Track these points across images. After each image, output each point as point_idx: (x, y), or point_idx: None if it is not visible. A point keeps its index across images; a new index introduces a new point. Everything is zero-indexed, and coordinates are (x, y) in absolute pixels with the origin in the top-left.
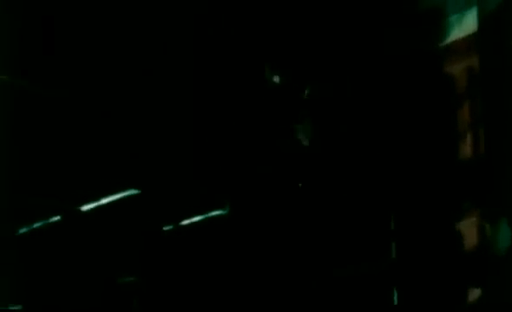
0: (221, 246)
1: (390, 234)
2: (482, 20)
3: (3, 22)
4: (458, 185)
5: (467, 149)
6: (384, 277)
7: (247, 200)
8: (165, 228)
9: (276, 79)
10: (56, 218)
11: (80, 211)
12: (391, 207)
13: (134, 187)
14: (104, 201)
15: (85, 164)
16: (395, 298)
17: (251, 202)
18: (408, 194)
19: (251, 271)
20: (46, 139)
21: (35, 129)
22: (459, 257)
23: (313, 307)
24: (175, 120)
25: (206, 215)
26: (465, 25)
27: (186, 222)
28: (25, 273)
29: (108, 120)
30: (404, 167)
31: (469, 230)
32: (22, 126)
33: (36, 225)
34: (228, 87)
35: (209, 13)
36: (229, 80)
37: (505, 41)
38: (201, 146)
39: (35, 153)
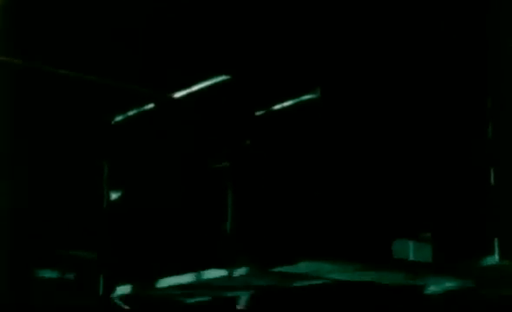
0: (312, 131)
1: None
2: None
3: None
4: None
5: None
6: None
7: (339, 84)
8: (256, 113)
9: None
10: (150, 106)
11: (172, 97)
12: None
13: (225, 73)
14: (196, 88)
15: (177, 51)
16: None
17: (342, 86)
18: None
19: (342, 158)
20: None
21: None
22: None
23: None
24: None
25: (298, 99)
26: None
27: (277, 106)
28: (120, 159)
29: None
30: None
31: None
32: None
33: (131, 113)
34: None
35: None
36: None
37: None
38: (290, 30)
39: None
